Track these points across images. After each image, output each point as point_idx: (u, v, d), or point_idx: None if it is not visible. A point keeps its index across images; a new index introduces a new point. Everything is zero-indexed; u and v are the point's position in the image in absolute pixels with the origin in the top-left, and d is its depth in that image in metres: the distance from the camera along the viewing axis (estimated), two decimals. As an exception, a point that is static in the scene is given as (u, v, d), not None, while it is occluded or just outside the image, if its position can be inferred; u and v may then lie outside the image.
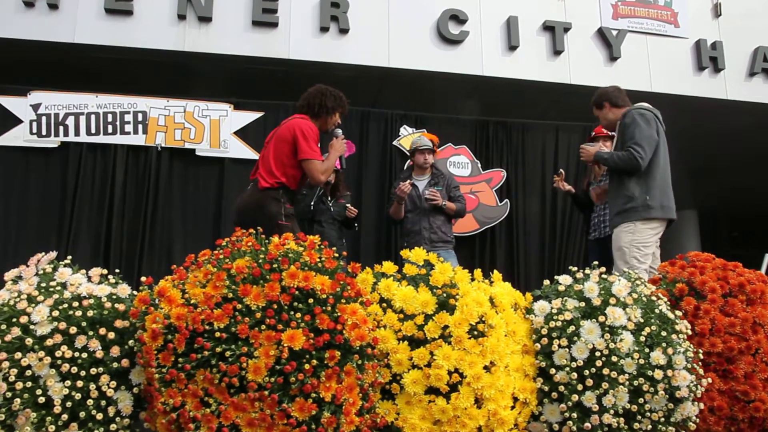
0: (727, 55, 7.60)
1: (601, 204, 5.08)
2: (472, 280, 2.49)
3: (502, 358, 2.31)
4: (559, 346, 2.41)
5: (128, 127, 6.04)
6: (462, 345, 2.22)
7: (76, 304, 2.15)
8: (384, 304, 2.31)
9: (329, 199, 5.58)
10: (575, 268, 2.64)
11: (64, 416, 2.01)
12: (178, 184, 6.21)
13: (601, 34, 7.38)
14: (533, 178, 7.04)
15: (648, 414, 2.40)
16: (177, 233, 6.12)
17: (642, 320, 2.49)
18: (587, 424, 2.33)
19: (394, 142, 6.68)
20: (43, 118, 5.87)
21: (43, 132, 5.86)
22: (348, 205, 5.62)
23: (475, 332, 2.27)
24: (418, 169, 5.55)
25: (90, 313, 2.14)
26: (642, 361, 2.40)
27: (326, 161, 4.14)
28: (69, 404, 2.03)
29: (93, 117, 5.97)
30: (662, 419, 2.42)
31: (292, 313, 2.00)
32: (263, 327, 1.98)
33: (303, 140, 3.96)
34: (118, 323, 2.17)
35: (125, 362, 2.12)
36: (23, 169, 5.89)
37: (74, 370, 2.06)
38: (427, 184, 5.43)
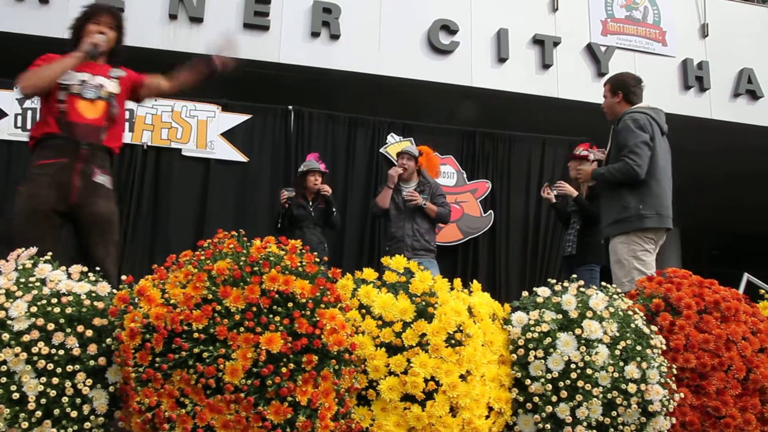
0: (712, 75, 7.73)
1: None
2: (452, 289, 2.50)
3: (478, 368, 2.32)
4: (535, 357, 2.43)
5: (115, 125, 6.00)
6: (439, 353, 2.24)
7: (54, 300, 2.13)
8: (363, 311, 2.32)
9: (309, 203, 5.57)
10: (554, 281, 2.67)
11: (38, 413, 1.99)
12: (162, 184, 6.19)
13: (590, 49, 7.47)
14: (518, 191, 7.09)
15: (621, 427, 2.43)
16: (159, 233, 6.10)
17: (618, 334, 2.51)
18: (560, 436, 2.35)
19: (381, 150, 6.70)
20: (29, 112, 5.84)
21: (28, 126, 5.81)
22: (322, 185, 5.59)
23: (453, 341, 2.28)
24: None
25: (68, 310, 2.13)
26: (616, 375, 2.42)
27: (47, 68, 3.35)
28: (43, 401, 2.01)
29: (80, 113, 5.93)
30: (634, 432, 2.45)
31: (271, 316, 2.01)
32: (242, 329, 1.98)
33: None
34: (97, 321, 2.15)
35: (102, 360, 2.11)
36: (5, 162, 5.85)
37: (50, 366, 2.04)
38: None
